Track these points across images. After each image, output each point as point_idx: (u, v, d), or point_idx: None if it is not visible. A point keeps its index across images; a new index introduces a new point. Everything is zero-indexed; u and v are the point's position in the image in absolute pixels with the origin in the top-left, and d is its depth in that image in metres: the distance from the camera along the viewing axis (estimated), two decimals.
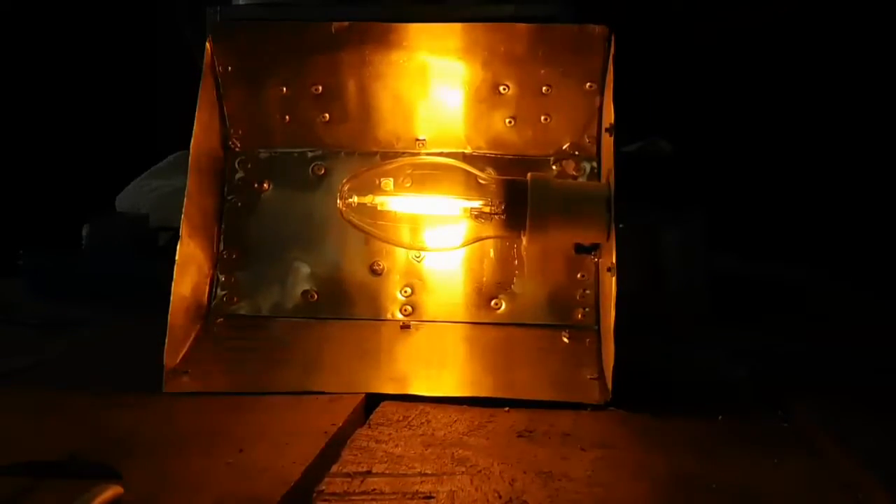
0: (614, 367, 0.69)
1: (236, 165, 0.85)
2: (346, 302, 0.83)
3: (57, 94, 1.53)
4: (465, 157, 0.83)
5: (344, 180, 0.79)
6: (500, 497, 0.53)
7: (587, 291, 0.81)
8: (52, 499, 0.51)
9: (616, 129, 0.74)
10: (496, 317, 0.82)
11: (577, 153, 0.84)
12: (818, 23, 1.40)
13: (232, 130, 0.85)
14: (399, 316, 0.82)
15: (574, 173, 0.83)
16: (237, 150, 0.85)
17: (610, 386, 0.70)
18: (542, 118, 0.83)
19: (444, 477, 0.56)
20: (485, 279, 0.82)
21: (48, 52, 1.53)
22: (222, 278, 0.83)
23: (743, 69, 1.43)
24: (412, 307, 0.82)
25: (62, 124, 1.53)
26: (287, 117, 0.85)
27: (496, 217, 0.77)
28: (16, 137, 1.49)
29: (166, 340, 0.72)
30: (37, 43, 1.53)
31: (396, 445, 0.61)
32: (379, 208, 0.78)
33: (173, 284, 0.74)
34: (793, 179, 1.40)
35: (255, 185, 0.85)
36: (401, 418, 0.67)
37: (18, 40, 1.50)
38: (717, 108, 1.42)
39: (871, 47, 1.38)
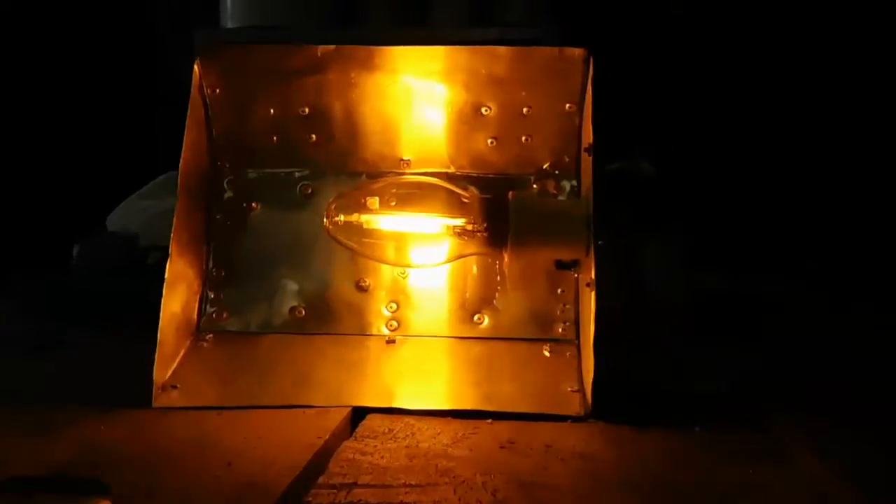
0: (594, 381, 0.71)
1: (225, 185, 0.87)
2: (333, 318, 0.84)
3: (48, 113, 1.53)
4: (448, 177, 0.85)
5: (330, 199, 0.81)
6: None
7: (567, 306, 0.82)
8: None
9: (595, 148, 0.76)
10: (479, 331, 0.83)
11: (557, 172, 0.85)
12: (798, 42, 1.43)
13: (220, 151, 0.86)
14: (385, 331, 0.84)
15: (554, 192, 0.84)
16: (226, 170, 0.87)
17: (590, 398, 0.72)
18: (523, 138, 0.85)
19: (429, 488, 0.57)
20: (468, 295, 0.84)
21: (39, 70, 1.54)
22: (211, 295, 0.84)
23: (724, 88, 1.45)
24: (397, 322, 0.84)
25: (53, 143, 1.53)
26: (275, 138, 0.86)
27: (479, 234, 0.78)
28: (6, 156, 1.50)
29: (156, 356, 0.74)
30: (28, 62, 1.53)
31: (382, 457, 0.63)
32: (365, 226, 0.80)
33: (163, 301, 0.75)
34: (775, 196, 1.42)
35: (244, 205, 0.87)
36: (386, 431, 0.68)
37: (8, 58, 1.51)
38: (699, 125, 1.44)
39: (853, 68, 1.41)
